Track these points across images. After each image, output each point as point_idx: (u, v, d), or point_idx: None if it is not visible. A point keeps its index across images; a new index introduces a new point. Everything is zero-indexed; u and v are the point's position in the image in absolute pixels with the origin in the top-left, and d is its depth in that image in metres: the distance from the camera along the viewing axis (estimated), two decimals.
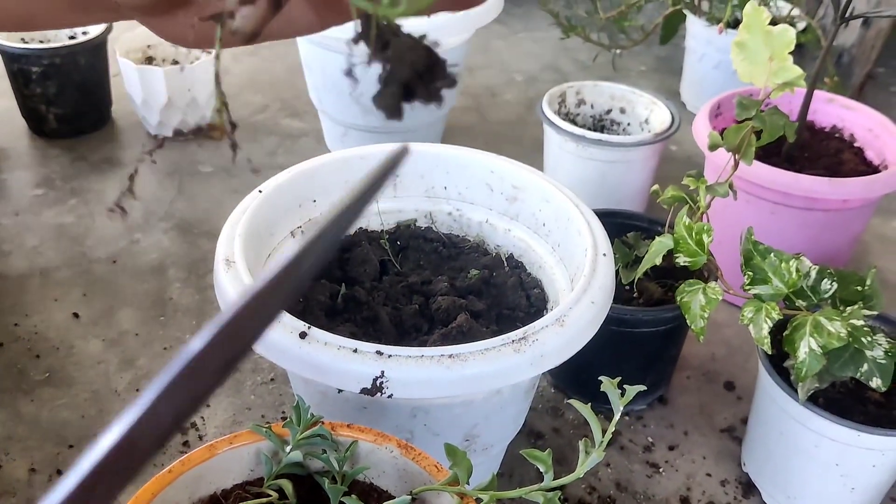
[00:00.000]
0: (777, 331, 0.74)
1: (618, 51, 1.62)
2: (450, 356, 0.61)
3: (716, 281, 0.79)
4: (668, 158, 1.35)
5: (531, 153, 1.27)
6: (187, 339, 0.99)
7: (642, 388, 0.48)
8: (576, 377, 0.92)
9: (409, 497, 0.53)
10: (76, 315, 1.02)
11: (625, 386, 0.49)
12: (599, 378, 0.48)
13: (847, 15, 0.97)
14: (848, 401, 0.76)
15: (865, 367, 0.71)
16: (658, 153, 1.15)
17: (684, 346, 0.95)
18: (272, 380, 0.94)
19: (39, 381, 0.93)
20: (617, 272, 0.85)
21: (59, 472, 0.83)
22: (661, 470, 0.86)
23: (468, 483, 0.50)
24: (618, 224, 0.94)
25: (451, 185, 0.86)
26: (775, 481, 0.82)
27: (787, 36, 0.80)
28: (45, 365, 0.95)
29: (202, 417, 0.89)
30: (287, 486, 0.53)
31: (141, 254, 1.13)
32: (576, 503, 0.82)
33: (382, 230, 0.86)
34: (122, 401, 0.91)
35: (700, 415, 0.93)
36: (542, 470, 0.49)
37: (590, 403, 0.50)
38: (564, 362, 0.92)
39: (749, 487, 0.84)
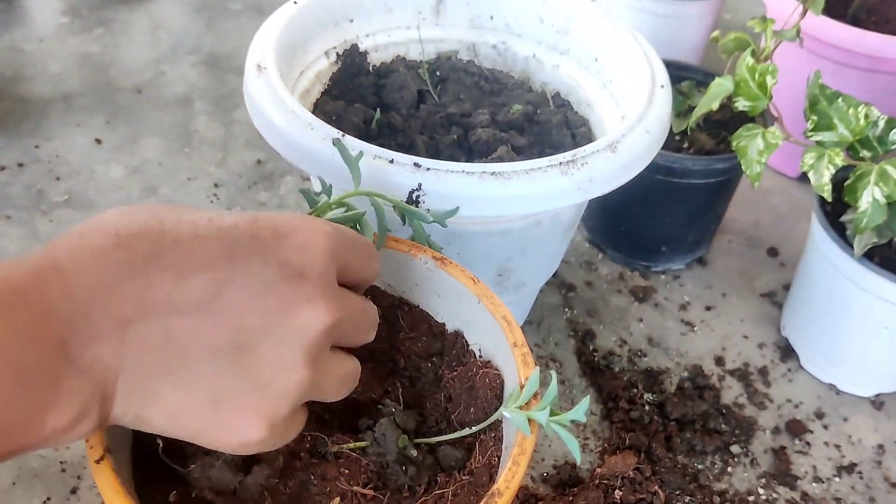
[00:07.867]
0: (834, 188, 0.70)
1: None
2: (492, 173, 0.57)
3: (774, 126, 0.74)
4: (722, 27, 1.27)
5: None
6: (212, 171, 0.96)
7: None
8: (612, 230, 0.88)
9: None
10: (98, 141, 0.98)
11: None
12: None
13: None
14: None
15: None
16: (715, 11, 1.08)
17: (728, 211, 0.90)
18: None
19: (58, 202, 0.90)
20: None
21: None
22: (695, 329, 0.83)
23: None
24: (671, 75, 0.88)
25: (498, 15, 0.80)
26: (816, 346, 0.79)
27: None
28: (65, 187, 0.92)
29: None
30: None
31: (167, 85, 1.08)
32: (605, 353, 0.79)
33: (422, 60, 0.81)
34: None
35: (740, 278, 0.89)
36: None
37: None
38: (602, 212, 0.89)
39: (787, 352, 0.81)
